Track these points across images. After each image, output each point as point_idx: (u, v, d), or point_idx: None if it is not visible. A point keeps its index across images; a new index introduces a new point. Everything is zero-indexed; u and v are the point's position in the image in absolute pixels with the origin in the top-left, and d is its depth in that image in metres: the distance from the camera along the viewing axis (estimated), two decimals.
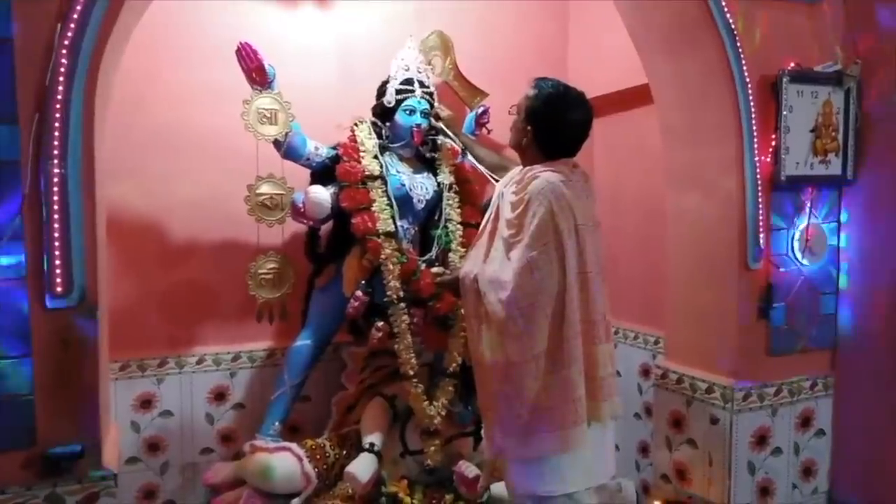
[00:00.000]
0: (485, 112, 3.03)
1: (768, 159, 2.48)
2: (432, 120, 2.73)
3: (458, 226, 2.77)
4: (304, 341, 2.73)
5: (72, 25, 1.70)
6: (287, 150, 2.57)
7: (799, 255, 2.55)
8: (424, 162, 2.84)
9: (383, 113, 2.76)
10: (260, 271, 2.61)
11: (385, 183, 2.65)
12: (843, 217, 2.64)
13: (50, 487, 1.75)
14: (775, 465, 2.57)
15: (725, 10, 2.38)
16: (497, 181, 2.31)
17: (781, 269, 2.53)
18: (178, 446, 2.84)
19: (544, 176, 1.88)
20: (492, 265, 1.92)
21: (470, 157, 2.74)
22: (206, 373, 2.87)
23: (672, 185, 2.71)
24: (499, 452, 1.95)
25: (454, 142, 2.77)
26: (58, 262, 1.72)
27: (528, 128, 1.98)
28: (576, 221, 1.86)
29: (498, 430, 1.91)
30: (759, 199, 2.45)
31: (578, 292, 1.85)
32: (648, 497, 2.98)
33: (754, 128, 2.43)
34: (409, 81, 2.74)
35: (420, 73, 2.79)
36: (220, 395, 2.90)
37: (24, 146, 1.69)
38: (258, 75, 2.42)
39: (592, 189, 2.05)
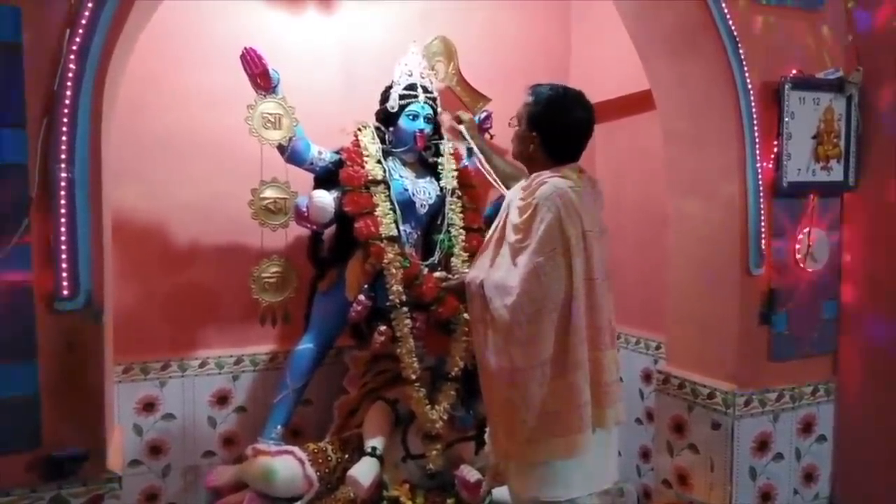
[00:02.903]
0: (487, 117, 3.05)
1: (770, 165, 2.49)
2: (454, 123, 2.63)
3: (461, 230, 2.79)
4: (306, 345, 2.74)
5: (80, 31, 1.72)
6: (291, 154, 2.58)
7: (801, 262, 2.56)
8: (427, 167, 2.86)
9: (387, 118, 2.77)
10: (263, 275, 2.61)
11: (388, 187, 2.66)
12: (845, 223, 2.64)
13: (54, 490, 1.75)
14: (777, 471, 2.57)
15: (728, 16, 2.39)
16: (507, 189, 2.31)
17: (783, 275, 2.54)
18: (180, 449, 2.84)
19: (552, 182, 1.88)
20: (498, 271, 1.92)
21: (476, 161, 2.74)
22: (208, 376, 2.88)
23: (674, 190, 2.72)
24: (504, 457, 1.96)
25: (474, 148, 2.68)
26: (64, 265, 1.72)
27: (534, 134, 1.98)
28: (583, 227, 1.85)
29: (503, 434, 1.91)
30: (761, 206, 2.46)
31: (585, 299, 1.85)
32: (650, 502, 2.98)
33: (756, 134, 2.44)
34: (412, 87, 2.75)
35: (423, 78, 2.80)
36: (222, 399, 2.90)
37: (32, 150, 1.70)
38: (262, 80, 2.44)
39: (601, 194, 2.04)
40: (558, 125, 1.98)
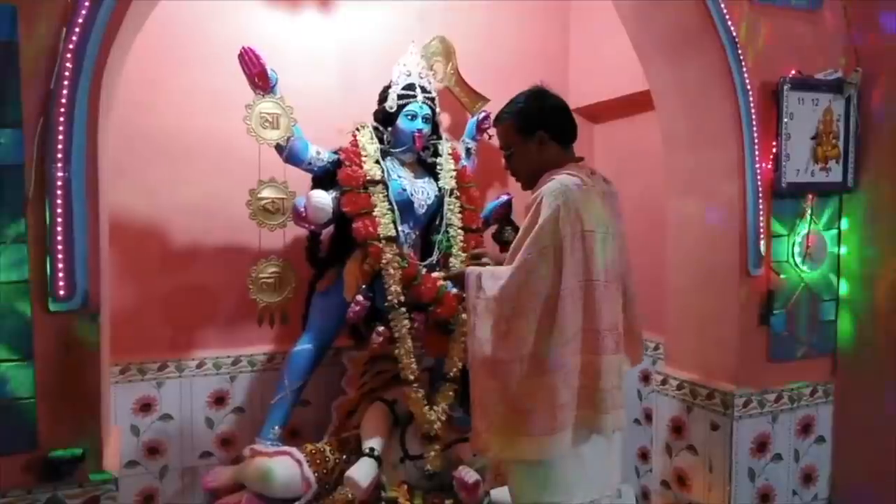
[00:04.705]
0: (486, 118, 3.05)
1: (769, 166, 2.49)
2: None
3: (459, 231, 2.79)
4: (304, 345, 2.73)
5: (76, 30, 1.71)
6: (289, 154, 2.57)
7: (799, 262, 2.56)
8: (426, 167, 2.85)
9: (385, 118, 2.76)
10: (261, 275, 2.61)
11: (386, 188, 2.65)
12: (844, 224, 2.64)
13: (51, 491, 1.75)
14: (775, 472, 2.57)
15: (727, 16, 2.38)
16: None
17: (782, 276, 2.54)
18: (177, 450, 2.83)
19: (559, 178, 1.85)
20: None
21: (473, 161, 2.72)
22: (206, 377, 2.87)
23: (673, 191, 2.71)
24: (483, 449, 1.93)
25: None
26: (61, 265, 1.72)
27: (539, 132, 1.94)
28: (583, 228, 1.81)
29: (483, 425, 1.88)
30: (760, 206, 2.46)
31: (579, 301, 1.81)
32: (648, 503, 2.98)
33: (755, 135, 2.44)
34: (410, 87, 2.75)
35: (422, 78, 2.79)
36: (219, 399, 2.90)
37: (29, 150, 1.69)
38: (261, 80, 2.43)
39: (616, 195, 2.00)
40: (550, 110, 1.97)
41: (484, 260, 2.13)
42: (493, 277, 1.88)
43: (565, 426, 1.79)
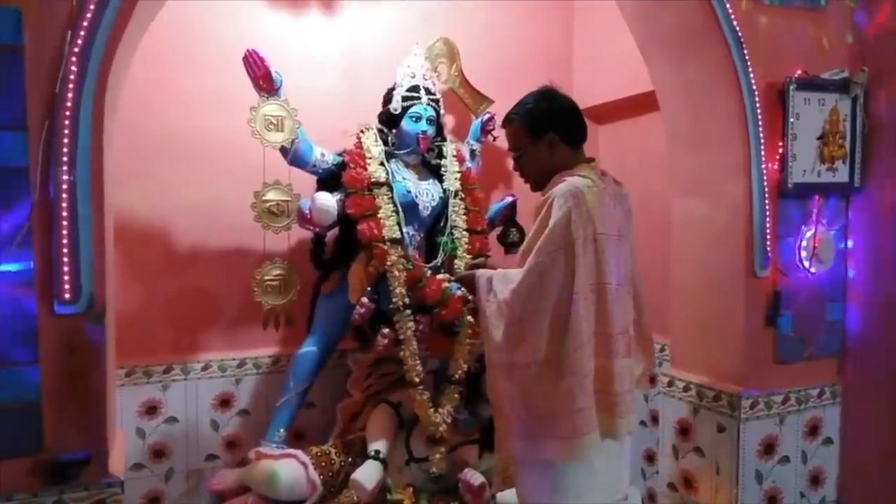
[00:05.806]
0: (490, 119, 3.04)
1: (775, 166, 2.48)
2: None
3: (464, 232, 2.78)
4: (309, 348, 2.73)
5: (81, 33, 1.72)
6: (293, 156, 2.57)
7: (806, 263, 2.55)
8: (430, 169, 2.85)
9: (389, 120, 2.76)
10: (266, 278, 2.60)
11: (391, 190, 2.65)
12: (851, 224, 2.63)
13: (56, 494, 1.75)
14: (783, 474, 2.55)
15: (732, 16, 2.38)
16: None
17: (789, 277, 2.52)
18: (183, 453, 2.83)
19: (570, 180, 1.83)
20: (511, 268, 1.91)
21: (477, 163, 2.72)
22: (211, 379, 2.87)
23: (678, 192, 2.70)
24: (507, 453, 1.92)
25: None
26: (66, 268, 1.72)
27: (549, 134, 1.91)
28: (595, 230, 1.78)
29: (505, 429, 1.87)
30: (766, 207, 2.45)
31: (592, 304, 1.79)
32: None
33: (761, 135, 2.43)
34: (415, 88, 2.74)
35: (426, 79, 2.79)
36: (225, 402, 2.90)
37: (34, 153, 1.70)
38: (265, 82, 2.43)
39: (626, 197, 1.98)
40: (559, 111, 1.94)
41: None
42: (503, 280, 1.86)
43: (586, 431, 1.77)
